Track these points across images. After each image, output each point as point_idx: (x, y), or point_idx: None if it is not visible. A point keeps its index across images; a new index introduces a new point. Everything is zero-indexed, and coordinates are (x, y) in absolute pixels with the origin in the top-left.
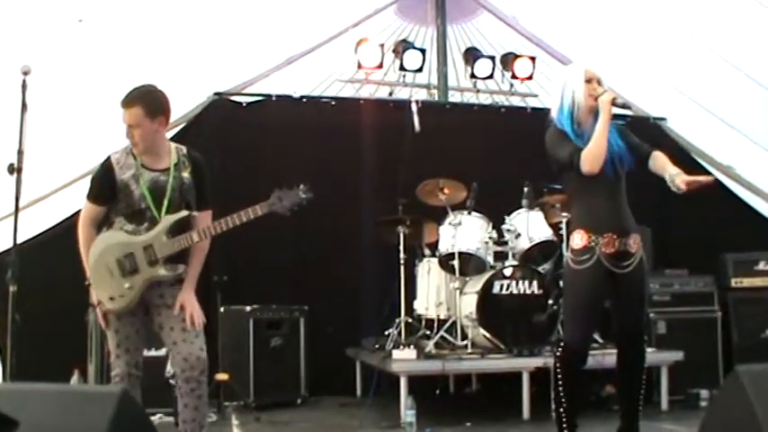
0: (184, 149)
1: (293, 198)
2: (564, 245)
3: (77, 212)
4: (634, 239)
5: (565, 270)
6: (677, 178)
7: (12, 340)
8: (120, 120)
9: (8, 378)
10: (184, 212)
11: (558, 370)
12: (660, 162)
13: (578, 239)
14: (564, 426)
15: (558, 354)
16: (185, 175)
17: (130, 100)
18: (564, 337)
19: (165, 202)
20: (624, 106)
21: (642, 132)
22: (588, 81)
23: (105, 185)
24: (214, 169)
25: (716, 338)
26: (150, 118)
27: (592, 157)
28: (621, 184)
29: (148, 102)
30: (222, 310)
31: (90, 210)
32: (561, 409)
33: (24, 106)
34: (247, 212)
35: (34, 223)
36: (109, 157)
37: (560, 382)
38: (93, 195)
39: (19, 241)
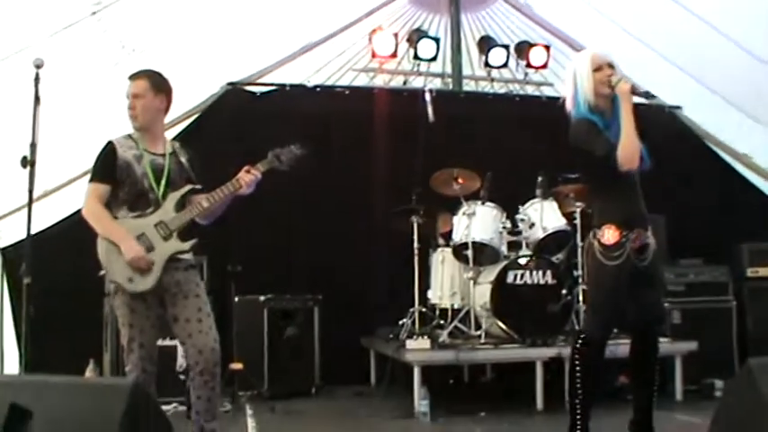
0: (177, 143)
1: (289, 154)
2: (578, 235)
3: None
4: (650, 232)
5: (592, 264)
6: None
7: (27, 332)
8: None
9: (24, 369)
10: (188, 186)
11: (577, 362)
12: None
13: (610, 235)
14: (578, 416)
15: (578, 346)
16: (182, 159)
17: (138, 73)
18: (586, 328)
19: (163, 181)
20: (647, 95)
21: (657, 121)
22: (598, 69)
23: (109, 164)
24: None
25: (731, 328)
26: (154, 92)
27: (629, 155)
28: (638, 179)
29: (154, 77)
30: (237, 299)
31: (96, 190)
32: (576, 401)
33: (37, 99)
34: (251, 171)
35: (48, 215)
36: (110, 141)
37: (578, 374)
38: (99, 175)
39: (32, 233)
